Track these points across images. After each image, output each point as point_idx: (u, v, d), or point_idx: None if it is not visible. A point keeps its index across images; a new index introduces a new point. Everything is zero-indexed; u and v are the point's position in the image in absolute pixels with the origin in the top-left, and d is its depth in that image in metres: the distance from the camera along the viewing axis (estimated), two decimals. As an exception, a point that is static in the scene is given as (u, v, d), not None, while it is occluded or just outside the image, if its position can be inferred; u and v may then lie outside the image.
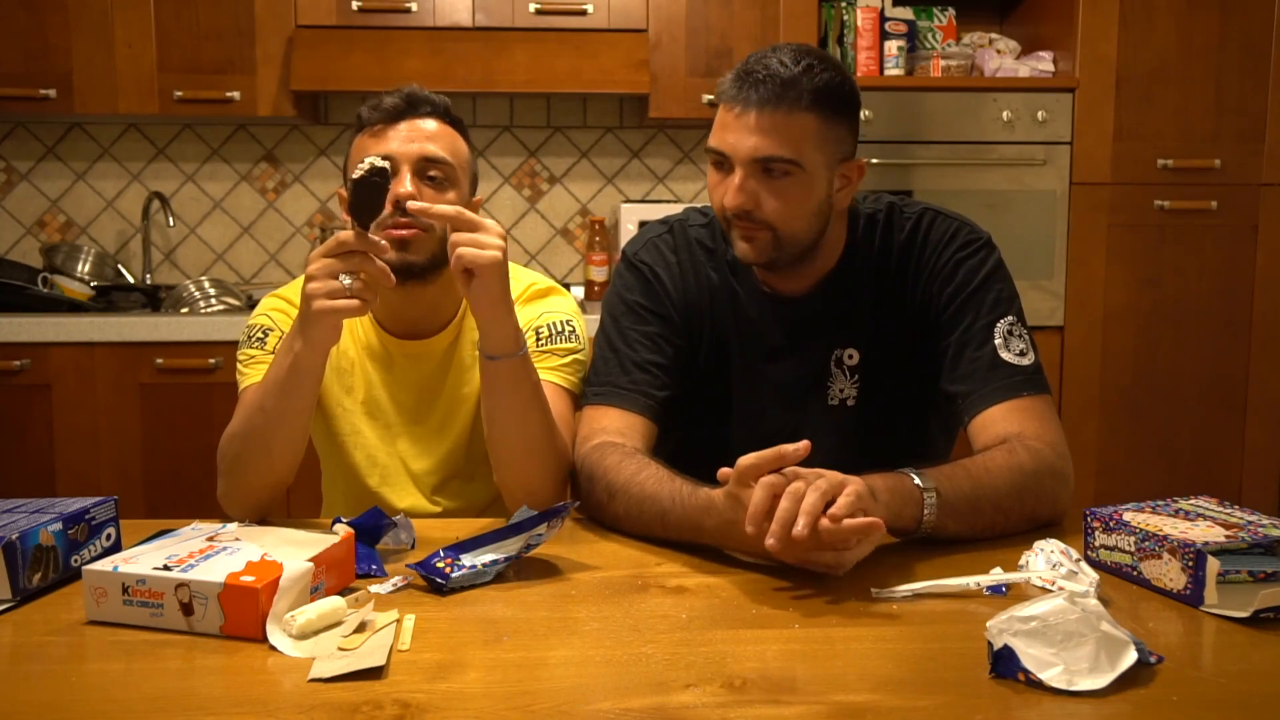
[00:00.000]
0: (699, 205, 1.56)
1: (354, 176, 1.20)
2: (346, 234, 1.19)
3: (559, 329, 1.49)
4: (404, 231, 1.37)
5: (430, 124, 1.42)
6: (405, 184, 1.37)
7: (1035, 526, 1.26)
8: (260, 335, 1.47)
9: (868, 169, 1.44)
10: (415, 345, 1.50)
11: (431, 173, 1.41)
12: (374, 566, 1.14)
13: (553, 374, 1.46)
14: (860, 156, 1.40)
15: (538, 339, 1.48)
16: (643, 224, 1.63)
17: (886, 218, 1.45)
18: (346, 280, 1.19)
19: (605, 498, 1.29)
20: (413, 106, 1.42)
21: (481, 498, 1.54)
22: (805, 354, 1.46)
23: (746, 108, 1.30)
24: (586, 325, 1.55)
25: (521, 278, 1.57)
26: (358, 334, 1.52)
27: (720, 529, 1.16)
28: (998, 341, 1.36)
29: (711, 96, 2.96)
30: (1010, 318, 1.38)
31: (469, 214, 1.25)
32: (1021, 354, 1.36)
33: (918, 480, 1.18)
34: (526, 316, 1.50)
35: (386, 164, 1.21)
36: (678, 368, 1.45)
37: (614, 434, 1.36)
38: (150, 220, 3.24)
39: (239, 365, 1.47)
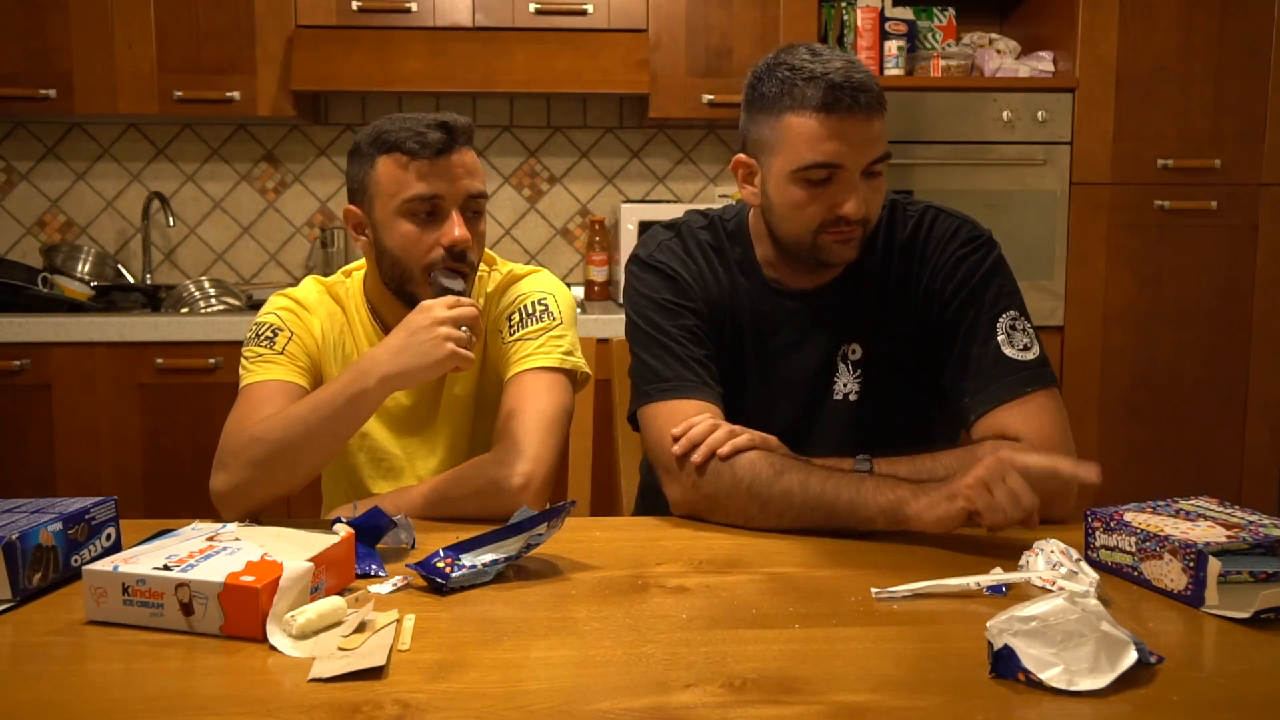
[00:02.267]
0: (699, 208, 1.56)
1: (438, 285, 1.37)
2: (465, 298, 1.33)
3: (529, 310, 1.49)
4: (459, 279, 1.40)
5: (468, 155, 1.42)
6: (457, 228, 1.39)
7: None
8: (269, 335, 1.47)
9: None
10: None
11: (474, 208, 1.43)
12: (374, 566, 1.14)
13: (530, 359, 1.45)
14: None
15: (509, 327, 1.48)
16: (643, 224, 1.63)
17: (889, 215, 1.46)
18: (467, 333, 1.29)
19: (773, 473, 1.28)
20: (453, 138, 1.40)
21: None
22: (813, 349, 1.47)
23: (853, 116, 1.30)
24: (573, 299, 1.57)
25: (502, 269, 1.57)
26: (359, 336, 1.52)
27: (936, 506, 1.21)
28: (1001, 338, 1.37)
29: (712, 96, 2.96)
30: (1012, 312, 1.39)
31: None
32: (1025, 348, 1.37)
33: (857, 465, 1.31)
34: (501, 306, 1.51)
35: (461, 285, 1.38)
36: (718, 360, 1.45)
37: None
38: (150, 220, 3.24)
39: (244, 361, 1.46)
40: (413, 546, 1.22)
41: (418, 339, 1.27)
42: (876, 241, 1.46)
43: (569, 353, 1.47)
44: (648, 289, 1.48)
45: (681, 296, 1.46)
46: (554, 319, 1.49)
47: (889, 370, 1.46)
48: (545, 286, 1.53)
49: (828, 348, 1.47)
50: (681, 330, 1.44)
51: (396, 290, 1.44)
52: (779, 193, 1.37)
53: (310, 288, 1.54)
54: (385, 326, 1.51)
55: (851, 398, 1.47)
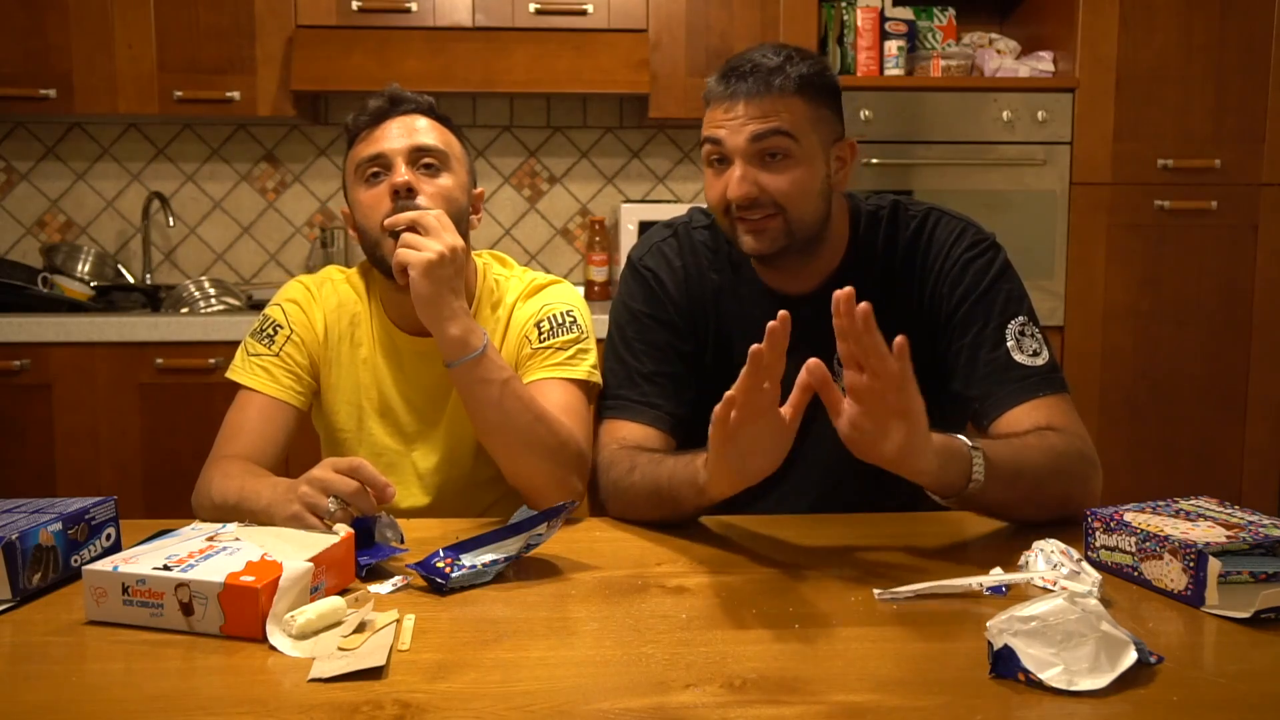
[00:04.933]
0: (703, 206, 1.56)
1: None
2: (363, 463, 1.17)
3: (559, 320, 1.50)
4: (407, 229, 1.36)
5: (419, 120, 1.45)
6: (399, 175, 1.39)
7: (1068, 512, 1.25)
8: (270, 331, 1.49)
9: (868, 170, 1.44)
10: (427, 342, 1.51)
11: (425, 161, 1.42)
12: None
13: (558, 369, 1.47)
14: (855, 154, 1.42)
15: (539, 334, 1.49)
16: (643, 224, 1.64)
17: (890, 216, 1.46)
18: (333, 506, 1.15)
19: (624, 471, 1.33)
20: (397, 105, 1.45)
21: (486, 498, 1.54)
22: (808, 353, 1.46)
23: (735, 100, 1.33)
24: (590, 311, 1.57)
25: (523, 276, 1.58)
26: (371, 332, 1.52)
27: (710, 461, 1.17)
28: (1010, 344, 1.36)
29: (711, 96, 2.96)
30: (1021, 318, 1.39)
31: (429, 219, 1.31)
32: (1035, 354, 1.36)
33: (965, 438, 1.19)
34: (527, 312, 1.52)
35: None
36: (688, 373, 1.46)
37: (634, 442, 1.39)
38: (150, 220, 3.24)
39: (244, 350, 1.49)
40: (400, 542, 1.21)
41: (286, 488, 1.20)
42: (876, 242, 1.45)
43: (595, 366, 1.50)
44: (627, 295, 1.51)
45: (657, 308, 1.47)
46: (582, 331, 1.51)
47: None
48: (572, 299, 1.55)
49: (823, 351, 1.46)
50: (646, 345, 1.46)
51: (377, 264, 1.45)
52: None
53: (329, 274, 1.57)
54: (389, 316, 1.52)
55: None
